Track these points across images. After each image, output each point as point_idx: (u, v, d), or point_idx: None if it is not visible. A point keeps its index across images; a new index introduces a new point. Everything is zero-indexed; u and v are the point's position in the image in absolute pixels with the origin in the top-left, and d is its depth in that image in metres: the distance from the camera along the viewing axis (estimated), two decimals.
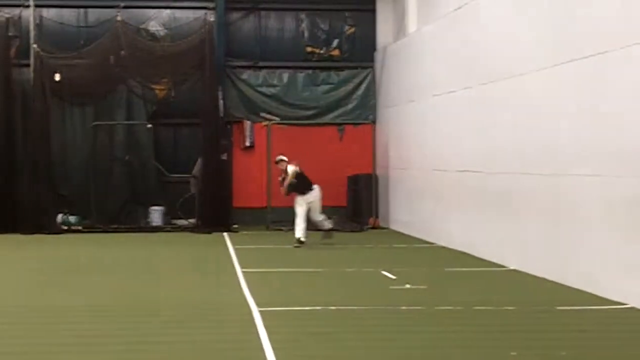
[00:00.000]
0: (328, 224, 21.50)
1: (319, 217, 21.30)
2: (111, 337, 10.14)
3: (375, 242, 21.85)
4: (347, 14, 27.72)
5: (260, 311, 11.62)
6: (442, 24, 21.31)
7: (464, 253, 18.72)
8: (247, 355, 9.28)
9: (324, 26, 27.67)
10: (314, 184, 21.16)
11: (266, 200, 25.93)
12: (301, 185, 21.03)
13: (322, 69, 27.53)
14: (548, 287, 14.13)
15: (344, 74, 27.48)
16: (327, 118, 27.28)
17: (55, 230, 24.35)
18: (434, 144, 21.56)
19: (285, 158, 21.42)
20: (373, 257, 18.82)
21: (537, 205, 15.44)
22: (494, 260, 17.16)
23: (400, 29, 25.55)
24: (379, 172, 26.48)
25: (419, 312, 11.92)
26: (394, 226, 25.11)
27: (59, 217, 25.04)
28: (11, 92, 25.25)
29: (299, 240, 20.56)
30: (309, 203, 20.97)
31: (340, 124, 27.16)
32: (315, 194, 21.08)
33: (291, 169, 20.96)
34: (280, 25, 27.76)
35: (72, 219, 25.17)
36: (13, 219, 24.57)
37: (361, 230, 24.96)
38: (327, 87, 27.41)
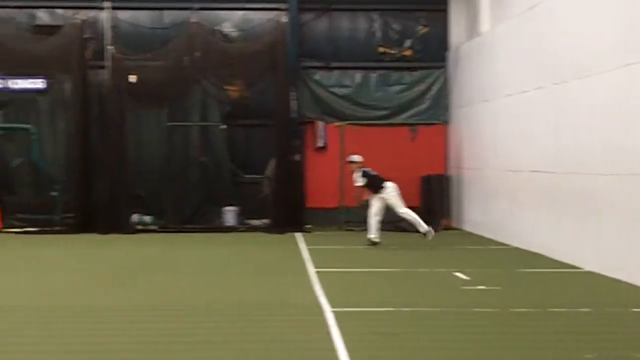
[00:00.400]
0: (375, 235, 20.89)
1: (401, 211, 21.06)
2: (184, 336, 10.24)
3: (447, 243, 21.75)
4: (419, 13, 27.62)
5: (332, 311, 11.64)
6: (515, 23, 21.16)
7: (538, 254, 18.56)
8: (319, 355, 9.31)
9: (397, 26, 27.62)
10: (388, 181, 21.06)
11: (339, 200, 25.97)
12: (372, 185, 21.00)
13: (395, 69, 27.48)
14: (623, 289, 13.96)
15: (416, 74, 27.40)
16: (400, 118, 27.22)
17: (130, 230, 24.67)
18: (507, 144, 21.41)
19: (356, 159, 21.48)
20: (446, 258, 18.73)
21: (612, 206, 15.26)
22: (569, 261, 16.99)
23: (473, 29, 25.40)
24: (451, 172, 26.39)
25: (492, 313, 11.85)
26: (467, 227, 24.98)
27: (135, 217, 25.36)
28: (87, 94, 25.61)
29: (370, 241, 20.57)
30: (384, 201, 20.94)
31: (413, 125, 27.07)
32: (387, 192, 21.01)
33: (358, 182, 21.02)
34: (353, 25, 27.78)
35: (147, 219, 25.47)
36: (90, 218, 24.97)
37: (434, 230, 24.85)
38: (399, 87, 27.36)
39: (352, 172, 21.39)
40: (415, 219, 21.08)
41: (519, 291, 14.00)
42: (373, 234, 20.68)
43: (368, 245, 20.55)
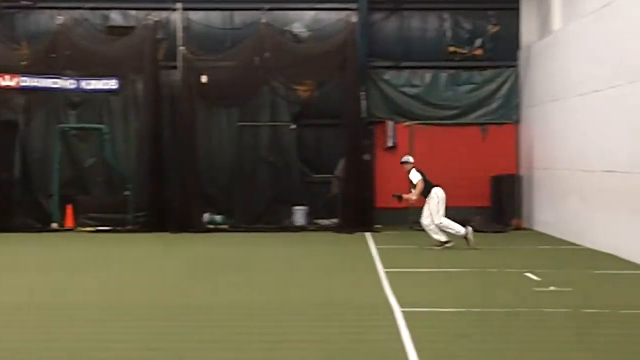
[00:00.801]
0: (439, 236, 20.36)
1: (436, 220, 20.27)
2: (254, 334, 10.30)
3: (518, 243, 21.60)
4: (490, 12, 27.46)
5: (402, 311, 11.63)
6: (588, 21, 20.92)
7: (610, 255, 18.34)
8: (389, 355, 9.31)
9: (467, 25, 27.49)
10: (437, 186, 20.62)
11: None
12: (425, 187, 20.62)
13: (465, 68, 27.35)
14: None
15: (487, 73, 27.24)
16: (470, 118, 27.08)
17: (201, 229, 24.86)
18: (579, 144, 21.18)
19: (411, 159, 21.12)
20: (516, 258, 18.59)
21: None
22: None
23: (544, 27, 25.16)
24: (522, 172, 26.18)
25: (564, 314, 11.74)
26: (538, 227, 24.75)
27: (205, 216, 25.55)
28: (159, 94, 25.87)
29: (440, 242, 20.40)
30: (427, 205, 20.51)
31: (483, 124, 26.91)
32: (431, 196, 20.47)
33: (417, 177, 20.54)
34: (423, 24, 27.71)
35: (217, 218, 25.66)
36: (162, 217, 25.23)
37: (504, 231, 24.70)
38: (469, 86, 27.21)
39: (407, 172, 20.91)
40: (445, 230, 20.33)
41: (591, 292, 13.84)
42: (439, 235, 20.38)
43: (437, 246, 20.34)
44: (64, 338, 9.90)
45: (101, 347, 9.42)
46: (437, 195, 20.38)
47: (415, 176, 20.64)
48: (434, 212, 20.28)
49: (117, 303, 12.62)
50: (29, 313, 11.69)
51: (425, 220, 20.44)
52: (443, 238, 20.36)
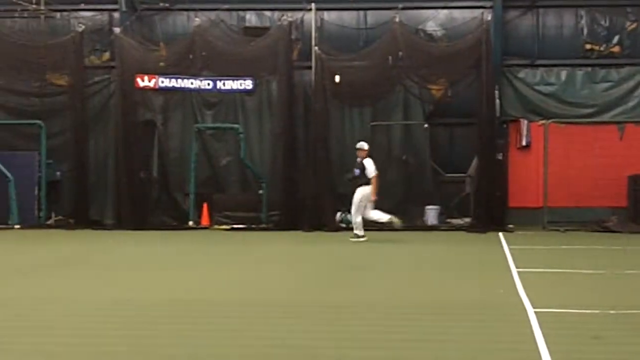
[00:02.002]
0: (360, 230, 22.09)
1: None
2: (385, 333, 10.31)
3: None
4: (628, 9, 26.93)
5: (535, 312, 11.49)
6: None
7: None
8: (522, 356, 9.22)
9: (604, 22, 26.99)
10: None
11: (542, 200, 25.57)
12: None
13: (602, 66, 26.86)
14: None
15: (624, 71, 26.69)
16: (607, 116, 26.56)
17: (334, 227, 25.02)
18: None
19: (366, 147, 22.13)
20: None
21: None
22: None
23: None
24: None
25: None
26: None
27: (338, 215, 25.69)
28: (293, 94, 26.15)
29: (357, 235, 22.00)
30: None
31: (620, 123, 26.36)
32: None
33: (373, 169, 21.73)
34: (559, 22, 27.32)
35: (350, 217, 25.74)
36: (295, 216, 25.49)
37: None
38: (606, 84, 26.71)
39: (361, 160, 21.91)
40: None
41: None
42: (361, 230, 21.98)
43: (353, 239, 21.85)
44: (199, 335, 10.10)
45: (238, 344, 9.57)
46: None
47: (371, 167, 21.67)
48: (363, 205, 21.79)
49: (253, 300, 12.80)
50: (167, 309, 11.96)
51: (353, 209, 21.93)
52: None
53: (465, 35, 25.95)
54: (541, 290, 13.69)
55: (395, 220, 22.22)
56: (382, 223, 22.34)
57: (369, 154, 22.09)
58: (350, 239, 21.90)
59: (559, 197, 24.53)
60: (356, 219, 22.06)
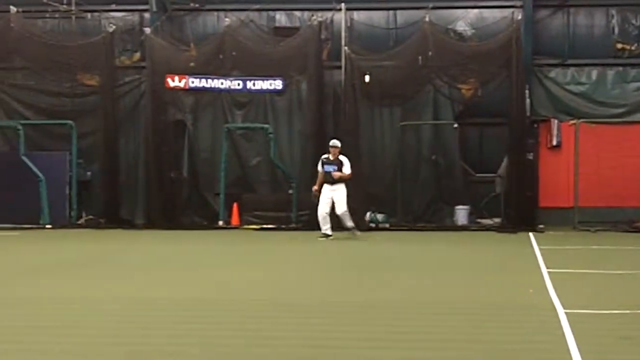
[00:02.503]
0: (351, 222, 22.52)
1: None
2: (416, 333, 10.30)
3: None
4: None
5: (566, 313, 11.44)
6: None
7: None
8: (553, 357, 9.18)
9: (636, 21, 26.85)
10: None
11: (573, 200, 25.44)
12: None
13: (633, 65, 26.69)
14: None
15: None
16: (638, 116, 26.44)
17: (363, 227, 24.98)
18: None
19: (339, 144, 22.55)
20: None
21: None
22: None
23: None
24: None
25: None
26: None
27: (367, 215, 25.69)
28: (323, 94, 26.17)
29: (326, 234, 22.42)
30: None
31: None
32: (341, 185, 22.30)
33: (349, 166, 22.28)
34: (590, 21, 27.20)
35: (379, 217, 25.77)
36: None
37: None
38: (637, 84, 26.60)
39: (335, 156, 22.34)
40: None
41: None
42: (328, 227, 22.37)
43: (322, 238, 22.19)
44: (228, 335, 10.13)
45: (265, 343, 9.59)
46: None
47: (348, 164, 22.16)
48: (345, 201, 22.23)
49: (282, 300, 12.83)
50: (197, 308, 12.00)
51: (345, 207, 22.30)
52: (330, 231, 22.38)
53: (495, 35, 25.89)
54: (571, 290, 13.63)
55: (358, 233, 22.72)
56: (343, 226, 22.65)
57: (342, 152, 22.51)
58: (356, 234, 22.66)
59: (589, 197, 24.39)
60: (344, 211, 22.45)
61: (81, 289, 13.85)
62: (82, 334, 10.02)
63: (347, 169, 22.18)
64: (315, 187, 22.47)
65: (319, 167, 22.51)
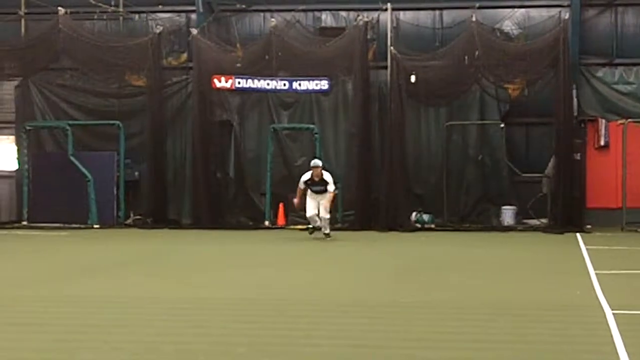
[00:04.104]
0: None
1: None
2: (459, 334, 10.28)
3: None
4: None
5: (614, 314, 11.37)
6: None
7: None
8: (601, 358, 9.13)
9: None
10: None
11: (621, 200, 25.24)
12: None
13: None
14: None
15: None
16: None
17: (408, 228, 24.99)
18: None
19: (320, 164, 22.41)
20: None
21: None
22: None
23: None
24: None
25: None
26: None
27: (413, 215, 25.66)
28: (369, 94, 26.16)
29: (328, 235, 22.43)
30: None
31: None
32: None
33: (331, 179, 22.25)
34: (638, 20, 26.98)
35: (425, 217, 25.72)
36: (369, 216, 25.52)
37: None
38: None
39: (320, 175, 22.08)
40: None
41: None
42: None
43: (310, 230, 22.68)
44: (275, 334, 10.17)
45: (309, 343, 9.63)
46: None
47: (331, 181, 22.18)
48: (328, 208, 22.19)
49: (325, 299, 12.86)
50: (241, 307, 12.07)
51: (328, 215, 22.27)
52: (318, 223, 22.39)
53: (542, 34, 25.75)
54: (619, 291, 13.53)
55: (331, 236, 22.56)
56: (320, 227, 22.61)
57: (324, 168, 22.63)
58: (327, 237, 22.47)
59: (637, 198, 24.14)
60: (327, 217, 22.39)
61: (130, 288, 13.99)
62: (131, 332, 10.13)
63: (331, 187, 22.18)
64: (297, 201, 22.59)
65: (301, 186, 22.42)
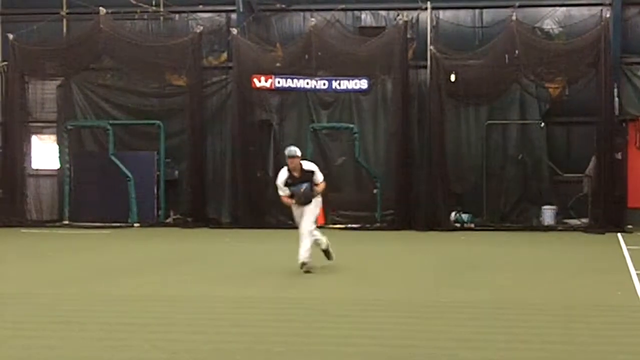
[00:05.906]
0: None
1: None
2: (500, 334, 10.26)
3: None
4: None
5: None
6: None
7: None
8: None
9: None
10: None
11: None
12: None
13: None
14: None
15: None
16: None
17: (448, 227, 24.93)
18: None
19: (299, 153, 15.86)
20: None
21: None
22: None
23: None
24: None
25: None
26: None
27: (452, 214, 25.59)
28: (408, 94, 26.11)
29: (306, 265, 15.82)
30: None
31: None
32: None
33: (320, 173, 16.34)
34: None
35: (464, 216, 25.64)
36: (409, 216, 25.48)
37: None
38: None
39: (299, 167, 15.81)
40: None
41: None
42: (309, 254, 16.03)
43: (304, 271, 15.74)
44: (313, 333, 10.20)
45: (352, 342, 9.64)
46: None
47: (317, 170, 16.15)
48: (314, 218, 16.42)
49: (366, 299, 12.88)
50: (282, 307, 12.11)
51: (312, 225, 16.28)
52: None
53: (583, 33, 25.56)
54: None
55: (333, 258, 16.71)
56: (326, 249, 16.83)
57: (304, 157, 17.18)
58: (328, 258, 16.74)
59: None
60: (314, 229, 16.38)
61: (171, 286, 14.08)
62: (171, 330, 10.21)
63: (319, 176, 16.19)
64: (290, 201, 16.18)
65: (281, 192, 16.10)
